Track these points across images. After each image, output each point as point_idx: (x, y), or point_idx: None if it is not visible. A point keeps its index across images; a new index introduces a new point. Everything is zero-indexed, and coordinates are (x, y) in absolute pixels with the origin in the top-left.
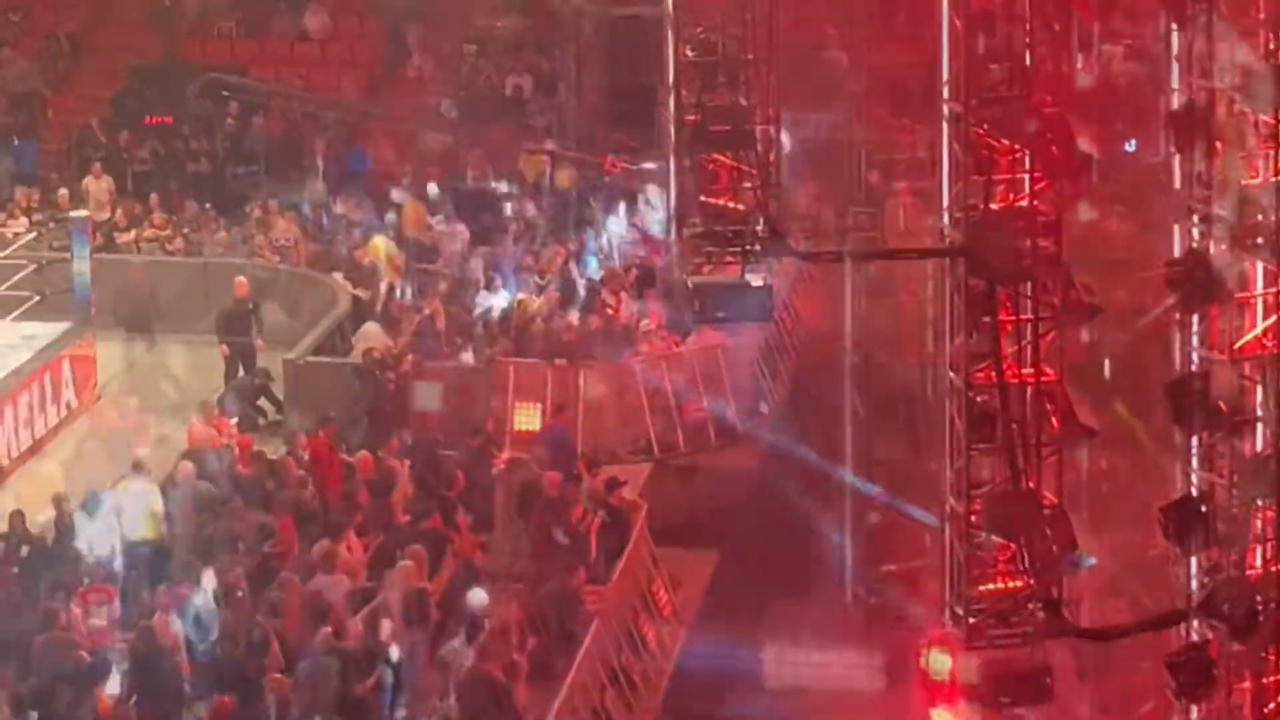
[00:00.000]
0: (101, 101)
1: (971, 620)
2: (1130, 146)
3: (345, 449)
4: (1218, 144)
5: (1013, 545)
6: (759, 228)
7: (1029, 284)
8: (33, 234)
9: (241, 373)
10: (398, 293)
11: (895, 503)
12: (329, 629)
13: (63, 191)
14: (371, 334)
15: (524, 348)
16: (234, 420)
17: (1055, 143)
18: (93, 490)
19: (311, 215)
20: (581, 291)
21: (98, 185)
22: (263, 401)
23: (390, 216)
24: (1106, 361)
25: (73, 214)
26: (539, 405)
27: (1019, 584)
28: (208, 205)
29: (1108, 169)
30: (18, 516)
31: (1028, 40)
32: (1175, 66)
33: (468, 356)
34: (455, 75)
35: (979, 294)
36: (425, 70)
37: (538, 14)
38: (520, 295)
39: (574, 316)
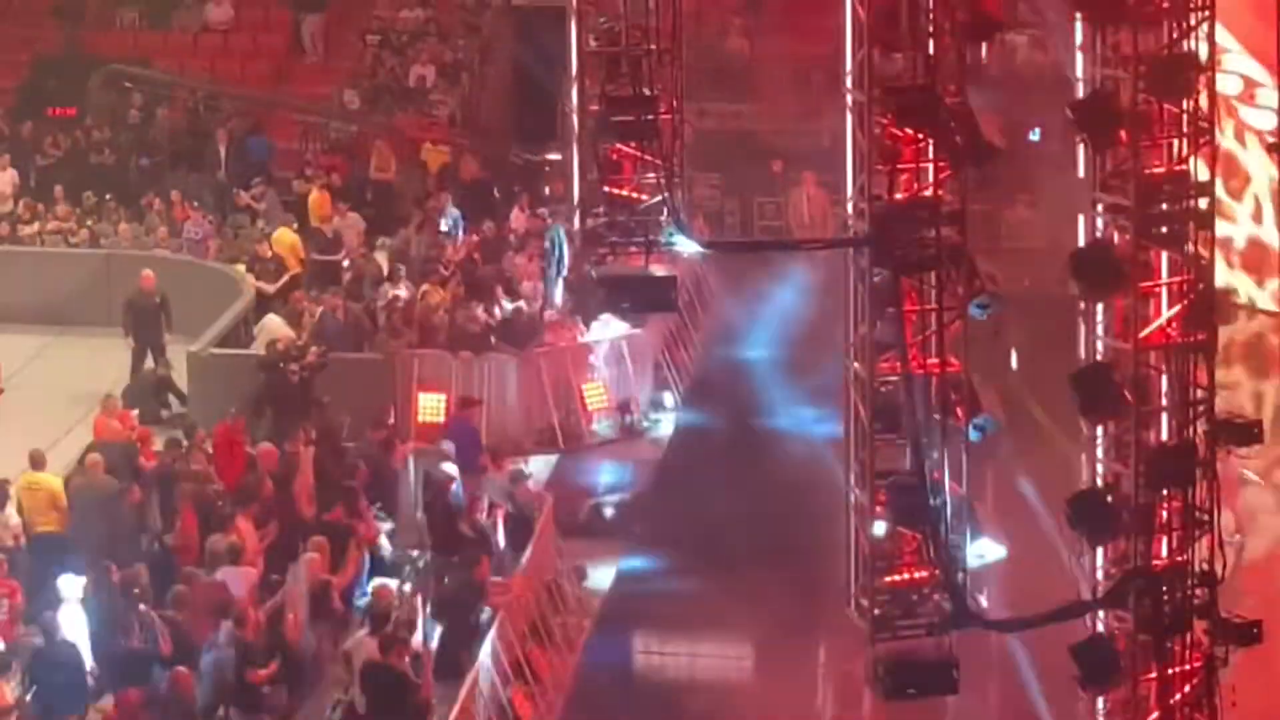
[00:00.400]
0: (4, 93)
1: (877, 611)
2: (1035, 135)
3: (250, 441)
4: (1122, 133)
5: (918, 536)
6: (662, 218)
7: (933, 274)
8: None
9: (149, 365)
10: (301, 284)
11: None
12: (230, 622)
13: None
14: (273, 326)
15: (428, 339)
16: (135, 413)
17: (959, 132)
18: None
19: (215, 206)
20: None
21: (1, 177)
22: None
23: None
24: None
25: None
26: (443, 397)
27: (925, 575)
28: (108, 197)
29: (1012, 158)
30: None
31: (930, 29)
32: (1079, 55)
33: (371, 349)
34: (359, 65)
35: (883, 284)
36: (328, 60)
37: (441, 4)
38: (424, 286)
39: (479, 308)
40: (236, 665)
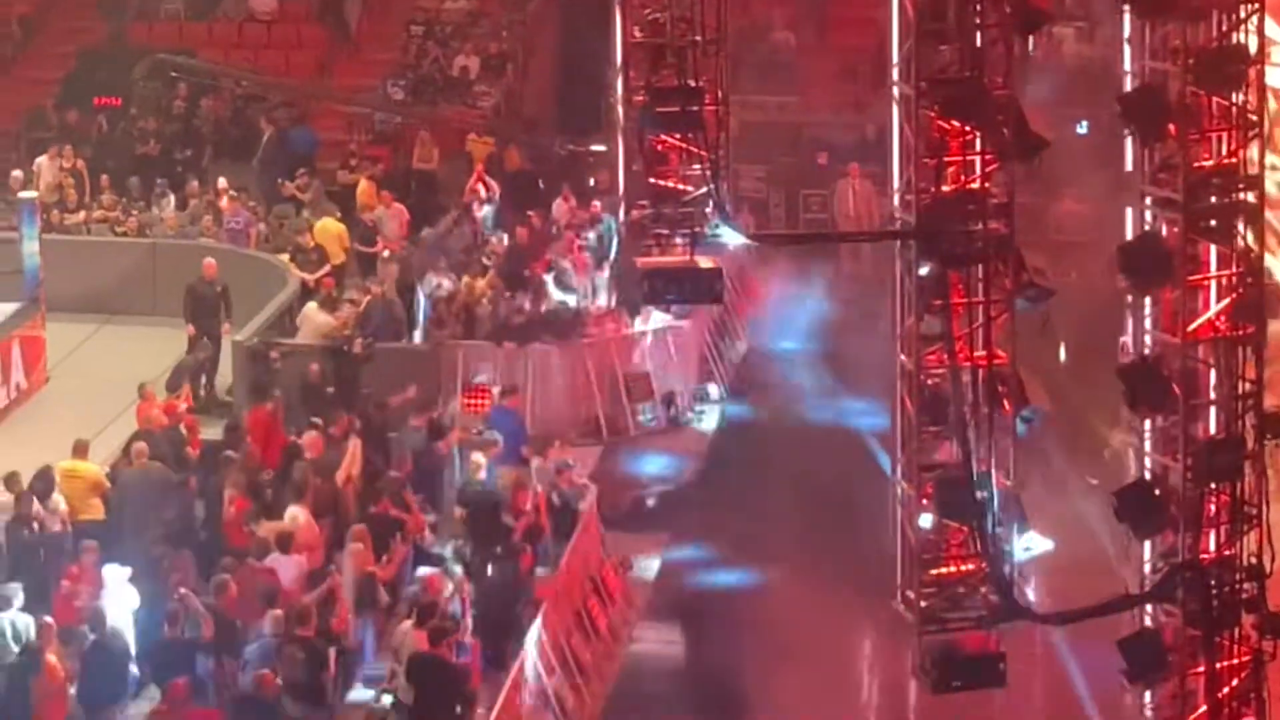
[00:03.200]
0: (51, 84)
1: (924, 604)
2: (1082, 128)
3: (294, 431)
4: (1171, 126)
5: (965, 529)
6: (707, 209)
7: (980, 267)
8: None
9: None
10: (345, 274)
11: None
12: (279, 611)
13: (16, 174)
14: (313, 315)
15: (472, 330)
16: (183, 405)
17: (1006, 125)
18: (42, 472)
19: (259, 196)
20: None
21: (51, 166)
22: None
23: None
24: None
25: (22, 195)
26: (487, 388)
27: (972, 567)
28: (157, 186)
29: (1059, 151)
30: None
31: (978, 21)
32: (1127, 48)
33: (416, 338)
34: (403, 56)
35: (930, 276)
36: (372, 51)
37: None
38: (466, 277)
39: (523, 298)
40: (293, 653)
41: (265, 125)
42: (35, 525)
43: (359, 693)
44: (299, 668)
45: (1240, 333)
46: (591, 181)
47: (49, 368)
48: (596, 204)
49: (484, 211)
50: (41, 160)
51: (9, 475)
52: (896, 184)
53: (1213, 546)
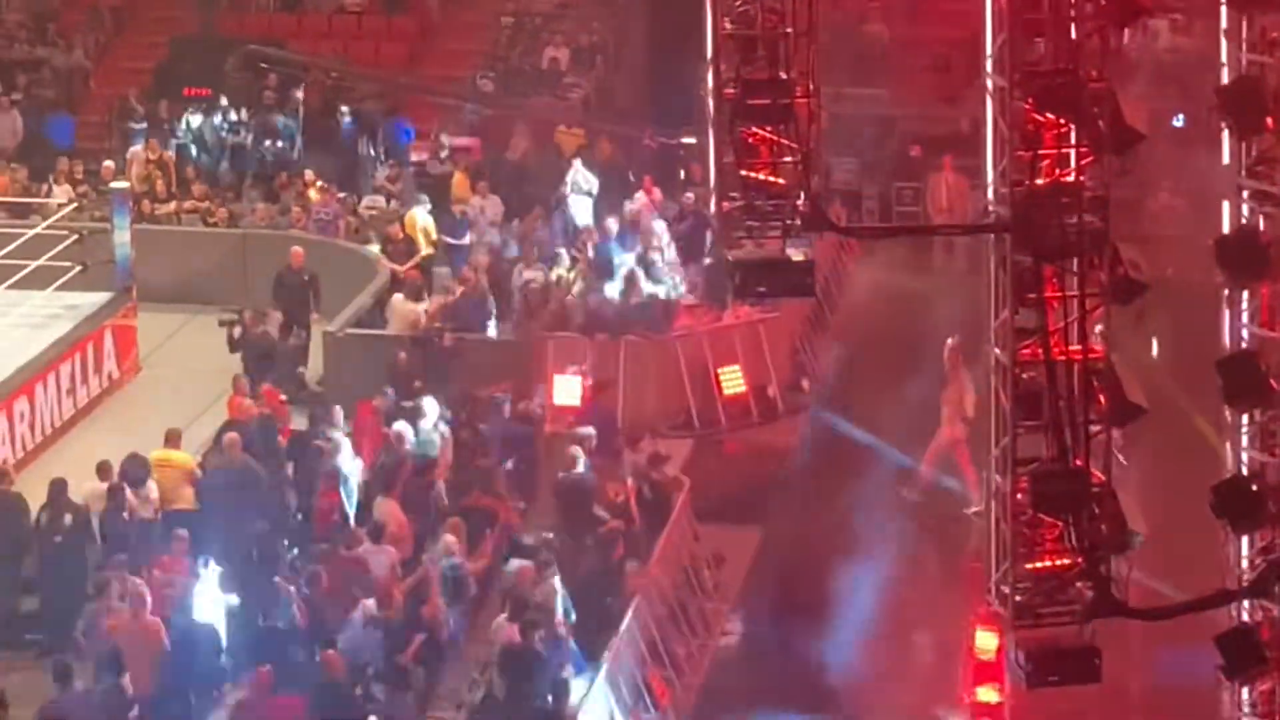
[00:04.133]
0: (141, 74)
1: (1019, 598)
2: (1179, 121)
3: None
4: (1268, 119)
5: (1060, 524)
6: (799, 202)
7: (1075, 260)
8: (74, 205)
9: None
10: (433, 265)
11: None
12: (371, 601)
13: (107, 163)
14: (399, 306)
15: (563, 322)
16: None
17: (1102, 117)
18: (135, 459)
19: (349, 187)
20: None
21: (143, 156)
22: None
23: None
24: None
25: (113, 185)
26: (578, 380)
27: (1067, 562)
28: (248, 178)
29: (1155, 144)
30: (59, 485)
31: (1073, 13)
32: (1225, 40)
33: (506, 330)
34: (493, 48)
35: (1024, 270)
36: (462, 43)
37: None
38: (558, 270)
39: (613, 290)
40: (383, 643)
41: (342, 116)
42: (127, 513)
43: (450, 684)
44: (377, 649)
45: None
46: (683, 174)
47: (141, 357)
48: (689, 196)
49: (579, 203)
50: (135, 149)
51: (101, 464)
52: (990, 177)
53: None
